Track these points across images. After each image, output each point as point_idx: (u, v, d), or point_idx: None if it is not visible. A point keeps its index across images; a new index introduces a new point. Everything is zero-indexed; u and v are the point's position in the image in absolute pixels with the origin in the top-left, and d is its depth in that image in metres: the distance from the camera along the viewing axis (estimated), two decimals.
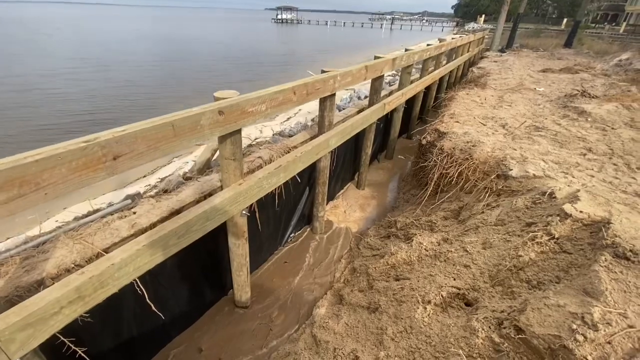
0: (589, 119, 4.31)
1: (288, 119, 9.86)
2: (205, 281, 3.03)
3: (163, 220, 2.34)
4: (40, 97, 10.99)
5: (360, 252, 3.85)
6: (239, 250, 2.77)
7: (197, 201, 2.61)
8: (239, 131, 2.21)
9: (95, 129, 1.51)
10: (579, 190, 2.50)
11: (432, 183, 3.98)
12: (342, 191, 5.36)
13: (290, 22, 75.00)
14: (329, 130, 3.49)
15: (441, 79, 8.81)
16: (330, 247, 4.13)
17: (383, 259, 3.30)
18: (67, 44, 24.42)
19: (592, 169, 2.88)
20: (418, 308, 2.37)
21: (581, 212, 2.25)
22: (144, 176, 6.41)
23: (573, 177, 2.77)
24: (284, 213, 3.88)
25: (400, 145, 7.25)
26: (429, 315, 2.31)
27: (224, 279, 3.26)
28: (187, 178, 3.43)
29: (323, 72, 3.23)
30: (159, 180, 6.23)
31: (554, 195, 2.58)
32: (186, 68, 17.05)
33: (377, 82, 4.41)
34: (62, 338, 1.61)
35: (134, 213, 2.36)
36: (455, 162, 3.75)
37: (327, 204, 4.54)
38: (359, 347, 2.38)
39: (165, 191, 3.17)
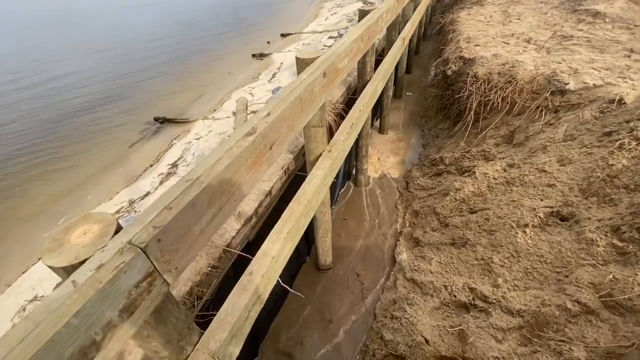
0: (607, 20, 4.29)
1: (273, 75, 9.25)
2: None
3: (261, 204, 2.22)
4: None
5: (415, 195, 3.92)
6: (325, 217, 2.72)
7: (280, 178, 2.47)
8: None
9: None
10: None
11: (471, 113, 3.96)
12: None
13: None
14: (370, 76, 3.28)
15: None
16: (379, 196, 4.16)
17: (448, 196, 3.38)
18: None
19: None
20: (517, 233, 2.49)
21: None
22: (150, 165, 5.99)
23: (632, 80, 2.81)
24: None
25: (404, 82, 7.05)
26: (530, 237, 2.44)
27: (301, 247, 3.26)
28: None
29: (362, 11, 2.93)
30: (169, 166, 5.85)
31: (623, 101, 2.63)
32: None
33: (396, 17, 4.09)
34: None
35: None
36: (496, 87, 3.71)
37: None
38: (468, 280, 2.53)
39: None
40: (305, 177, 2.21)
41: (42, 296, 3.85)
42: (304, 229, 1.87)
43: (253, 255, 1.74)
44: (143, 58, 11.64)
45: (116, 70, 10.58)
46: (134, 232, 0.80)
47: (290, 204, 1.80)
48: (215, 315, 1.60)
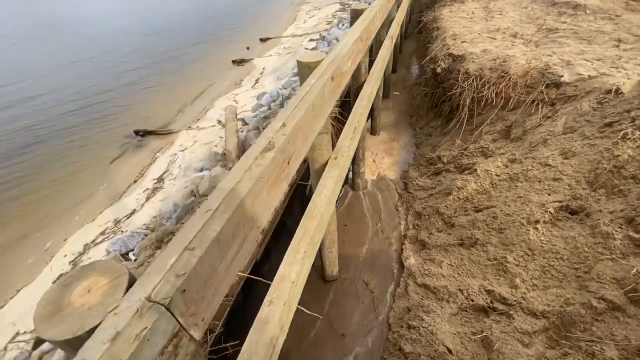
0: (588, 11, 4.38)
1: (257, 81, 9.07)
2: None
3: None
4: None
5: (415, 196, 3.85)
6: (331, 227, 2.60)
7: (286, 192, 2.32)
8: None
9: None
10: None
11: (465, 110, 3.93)
12: None
13: None
14: (365, 77, 3.19)
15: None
16: (379, 199, 4.07)
17: (451, 195, 3.32)
18: None
19: (636, 58, 2.96)
20: (529, 230, 2.44)
21: None
22: (135, 181, 5.69)
23: (625, 69, 2.83)
24: None
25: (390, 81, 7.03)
26: (543, 234, 2.39)
27: None
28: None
29: (354, 10, 2.83)
30: (155, 180, 5.57)
31: (620, 91, 2.64)
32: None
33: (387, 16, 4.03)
34: None
35: None
36: (488, 82, 3.69)
37: None
38: (483, 282, 2.46)
39: None
40: (305, 186, 2.07)
41: (24, 332, 3.55)
42: (319, 244, 1.74)
43: (260, 276, 1.58)
44: (120, 71, 11.11)
45: (92, 85, 10.03)
46: (152, 284, 0.65)
47: (303, 220, 1.67)
48: (228, 346, 1.43)
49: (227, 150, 3.47)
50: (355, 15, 2.77)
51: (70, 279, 0.67)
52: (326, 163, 2.08)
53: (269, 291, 1.36)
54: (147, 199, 5.10)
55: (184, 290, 0.67)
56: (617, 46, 3.25)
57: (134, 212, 4.87)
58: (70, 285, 0.66)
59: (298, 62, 1.79)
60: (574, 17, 4.37)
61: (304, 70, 1.75)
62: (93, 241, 4.38)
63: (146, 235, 3.69)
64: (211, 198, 0.86)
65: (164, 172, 5.69)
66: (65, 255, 4.22)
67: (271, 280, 1.45)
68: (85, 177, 5.91)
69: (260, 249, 2.04)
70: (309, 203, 1.78)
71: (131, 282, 0.68)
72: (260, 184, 0.96)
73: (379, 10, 2.88)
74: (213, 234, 0.76)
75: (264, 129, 4.32)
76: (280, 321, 1.28)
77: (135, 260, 3.12)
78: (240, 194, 0.87)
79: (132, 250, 3.36)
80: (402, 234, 3.52)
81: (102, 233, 4.55)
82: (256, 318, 1.26)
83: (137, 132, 7.10)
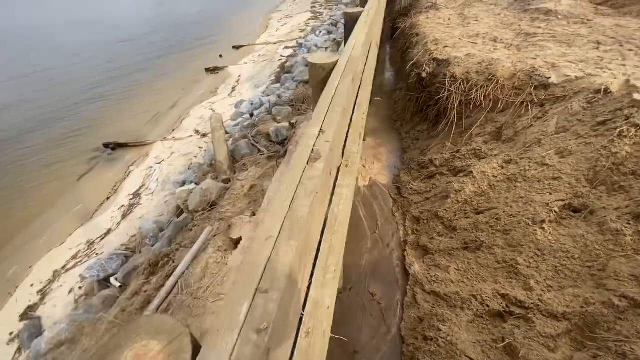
0: (560, 17, 4.63)
1: (233, 89, 8.81)
2: None
3: None
4: None
5: (410, 200, 3.81)
6: None
7: None
8: None
9: None
10: (629, 80, 2.69)
11: (454, 113, 3.97)
12: None
13: None
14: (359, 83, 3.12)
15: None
16: (374, 205, 3.99)
17: (449, 198, 3.30)
18: None
19: (618, 59, 3.12)
20: (536, 230, 2.45)
21: None
22: (107, 198, 5.23)
23: (610, 70, 2.96)
24: None
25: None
26: (550, 233, 2.40)
27: None
28: (225, 181, 2.86)
29: (348, 14, 2.77)
30: (130, 196, 5.16)
31: (609, 91, 2.75)
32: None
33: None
34: None
35: None
36: (476, 85, 3.75)
37: None
38: (495, 285, 2.42)
39: (213, 205, 2.62)
40: None
41: None
42: (342, 259, 1.60)
43: None
44: (88, 83, 10.30)
45: (60, 99, 9.19)
46: (227, 345, 0.48)
47: (326, 234, 1.52)
48: None
49: (218, 161, 3.23)
50: (351, 19, 2.70)
51: (110, 346, 0.49)
52: (337, 171, 1.95)
53: (303, 320, 1.19)
54: (124, 216, 4.70)
55: (269, 349, 0.51)
56: (597, 48, 3.41)
57: (109, 232, 4.45)
58: (112, 356, 0.48)
59: (310, 63, 1.66)
60: (547, 22, 4.59)
61: (318, 71, 1.62)
62: (64, 267, 3.93)
63: (127, 257, 3.34)
64: (268, 221, 0.70)
65: (140, 187, 5.30)
66: (32, 285, 3.75)
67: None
68: (49, 196, 5.37)
69: None
70: (329, 215, 1.64)
71: (195, 344, 0.51)
72: (316, 200, 0.82)
73: (375, 13, 2.82)
74: (285, 269, 0.60)
75: (252, 137, 4.13)
76: (321, 353, 1.13)
77: (120, 286, 2.78)
78: (300, 214, 0.72)
79: (114, 274, 3.02)
80: (402, 240, 3.45)
81: (74, 257, 4.10)
82: (295, 355, 1.09)
83: (106, 145, 6.61)
